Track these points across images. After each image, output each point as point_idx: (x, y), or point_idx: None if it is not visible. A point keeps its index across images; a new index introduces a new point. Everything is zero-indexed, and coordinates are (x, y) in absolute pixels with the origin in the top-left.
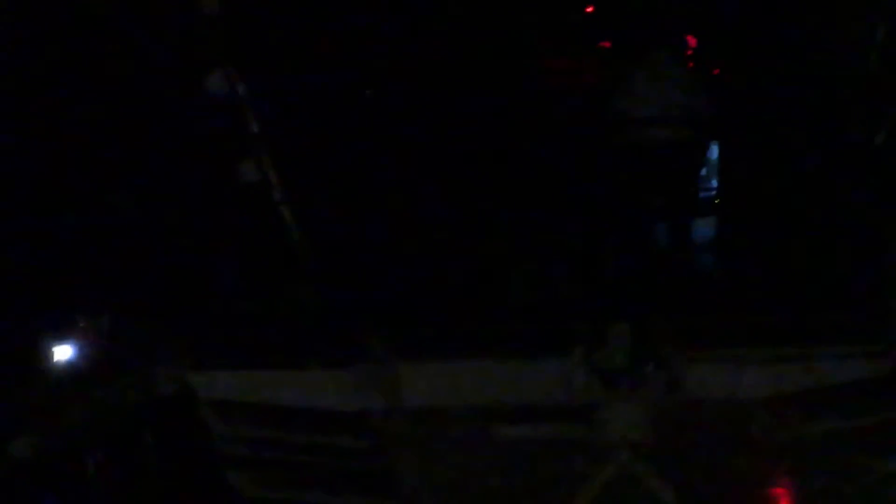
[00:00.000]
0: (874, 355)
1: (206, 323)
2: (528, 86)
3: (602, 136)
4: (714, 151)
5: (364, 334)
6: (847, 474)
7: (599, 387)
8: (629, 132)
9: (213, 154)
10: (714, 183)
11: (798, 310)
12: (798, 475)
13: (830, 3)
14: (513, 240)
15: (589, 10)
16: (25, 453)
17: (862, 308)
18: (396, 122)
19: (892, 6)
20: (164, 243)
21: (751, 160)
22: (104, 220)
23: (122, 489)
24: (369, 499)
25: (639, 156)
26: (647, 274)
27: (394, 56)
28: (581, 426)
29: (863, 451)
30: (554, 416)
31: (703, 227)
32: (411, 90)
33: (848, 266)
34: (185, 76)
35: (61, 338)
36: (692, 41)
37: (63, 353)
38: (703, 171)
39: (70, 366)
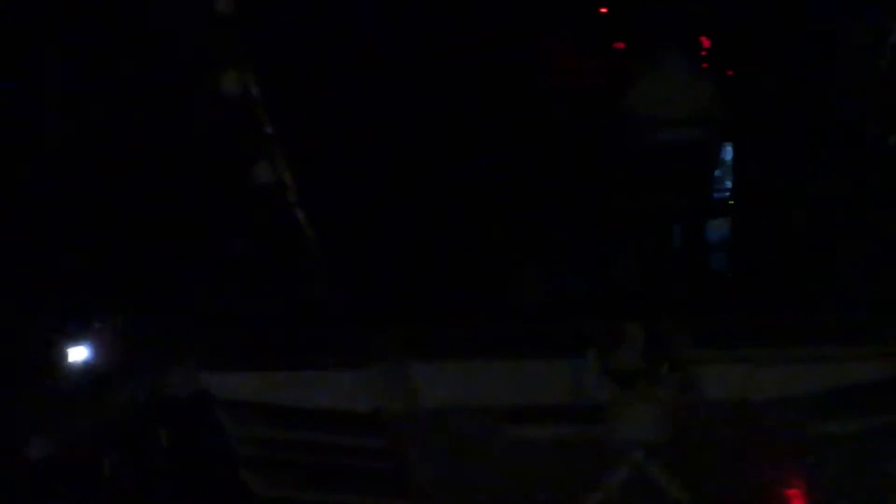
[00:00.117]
0: (889, 356)
1: (220, 323)
2: (541, 86)
3: (615, 136)
4: (728, 152)
5: (377, 334)
6: (861, 475)
7: (613, 387)
8: (642, 133)
9: (228, 154)
10: (728, 183)
11: (812, 310)
12: (812, 476)
13: (845, 3)
14: (526, 240)
15: (603, 10)
16: (41, 454)
17: (876, 308)
18: (409, 123)
19: None
20: (179, 244)
21: (765, 161)
22: (119, 221)
23: (136, 489)
24: (383, 499)
25: (652, 156)
26: (661, 274)
27: (406, 55)
28: (594, 427)
29: (877, 451)
30: (567, 417)
31: (717, 228)
32: (424, 90)
33: (862, 266)
34: (199, 76)
35: (76, 339)
36: (706, 42)
37: (78, 354)
38: (717, 172)
39: (85, 367)
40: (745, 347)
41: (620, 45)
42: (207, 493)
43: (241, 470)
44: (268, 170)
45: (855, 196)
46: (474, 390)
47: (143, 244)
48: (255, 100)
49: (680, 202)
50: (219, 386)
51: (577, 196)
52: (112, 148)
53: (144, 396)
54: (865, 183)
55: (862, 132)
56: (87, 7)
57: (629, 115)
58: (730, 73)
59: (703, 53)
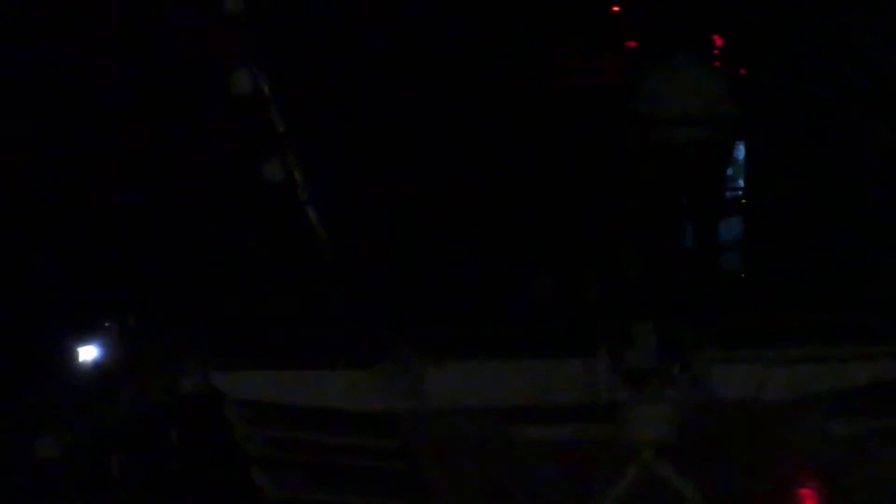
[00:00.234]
0: None
1: (231, 323)
2: (553, 86)
3: (627, 135)
4: (740, 151)
5: (388, 335)
6: (874, 475)
7: (624, 387)
8: (654, 132)
9: (239, 154)
10: (740, 183)
11: (824, 310)
12: (824, 476)
13: (858, 3)
14: (538, 241)
15: (615, 9)
16: (51, 454)
17: (888, 308)
18: (420, 123)
19: None
20: (190, 243)
21: (777, 160)
22: (130, 221)
23: (146, 489)
24: (393, 500)
25: (664, 156)
26: (673, 274)
27: (419, 54)
28: (605, 426)
29: (890, 452)
30: (578, 417)
31: (729, 227)
32: (436, 91)
33: (874, 266)
34: (209, 76)
35: (87, 338)
36: (718, 40)
37: (89, 353)
38: (730, 171)
39: (95, 366)
40: (757, 347)
41: (632, 44)
42: (217, 493)
43: (251, 470)
44: (278, 169)
45: (867, 196)
46: (485, 390)
47: (153, 244)
48: (265, 99)
49: (692, 202)
50: (228, 385)
51: (588, 196)
52: (123, 148)
53: (154, 396)
54: (878, 183)
55: (875, 132)
56: (97, 7)
57: (641, 114)
58: (742, 71)
59: (716, 52)
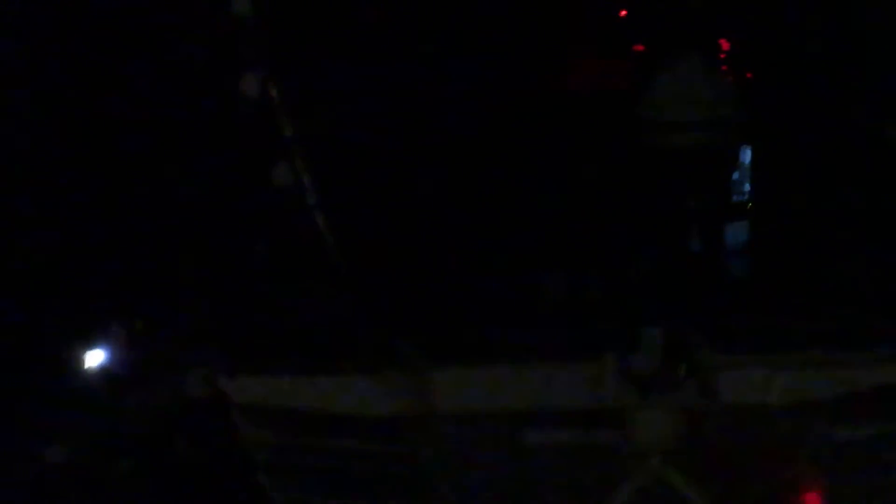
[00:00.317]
0: None
1: (238, 328)
2: (560, 89)
3: (634, 139)
4: (747, 155)
5: (396, 339)
6: (879, 480)
7: (631, 392)
8: (660, 136)
9: (247, 158)
10: (747, 187)
11: (830, 315)
12: (830, 481)
13: (864, 6)
14: (545, 245)
15: (622, 13)
16: (60, 458)
17: (893, 312)
18: (429, 127)
19: None
20: (198, 248)
21: (783, 164)
22: (137, 225)
23: (153, 494)
24: None
25: (670, 160)
26: (680, 278)
27: (426, 58)
28: (612, 431)
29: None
30: (585, 422)
31: (736, 232)
32: (443, 94)
33: (881, 271)
34: (218, 78)
35: (94, 343)
36: (725, 45)
37: (96, 358)
38: (736, 175)
39: (102, 370)
40: (763, 352)
41: (639, 48)
42: (224, 498)
43: (258, 475)
44: (287, 174)
45: (874, 201)
46: (492, 395)
47: (161, 248)
48: (274, 102)
49: (698, 206)
50: (236, 390)
51: (596, 199)
52: (131, 152)
53: (161, 400)
54: (885, 188)
55: (881, 136)
56: (107, 10)
57: (648, 118)
58: (748, 75)
59: (722, 56)
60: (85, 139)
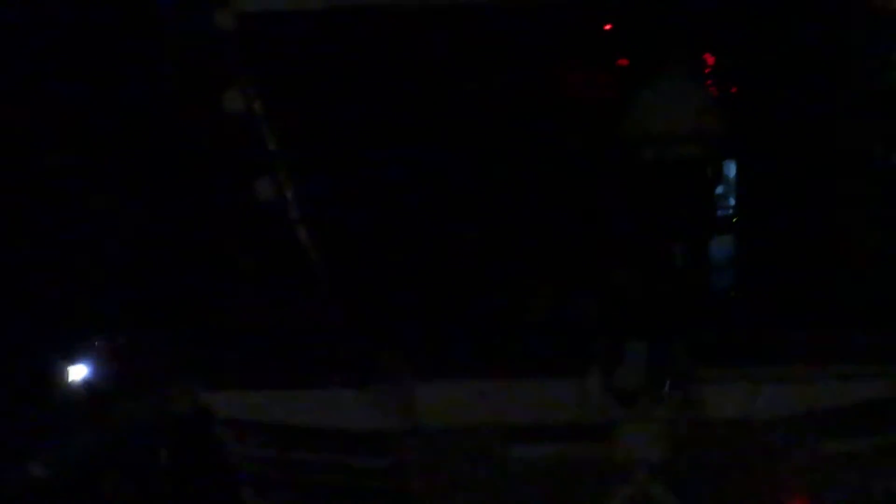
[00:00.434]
0: (891, 375)
1: (221, 342)
2: (544, 103)
3: (617, 153)
4: (732, 169)
5: (380, 353)
6: (863, 494)
7: (616, 406)
8: (643, 149)
9: (230, 172)
10: (732, 201)
11: (814, 329)
12: (814, 495)
13: (850, 22)
14: (529, 259)
15: (607, 27)
16: (43, 472)
17: (879, 327)
18: (413, 140)
19: None
20: (181, 263)
21: (769, 178)
22: (120, 241)
23: None
24: None
25: (654, 173)
26: (665, 293)
27: (409, 71)
28: (597, 445)
29: (879, 471)
30: (570, 436)
31: (721, 246)
32: (427, 106)
33: (865, 285)
34: (201, 93)
35: (78, 358)
36: (709, 59)
37: (79, 372)
38: (721, 190)
39: (86, 385)
40: (748, 366)
41: (623, 62)
42: None
43: (242, 489)
44: (270, 186)
45: (859, 215)
46: (477, 409)
47: (144, 263)
48: (258, 115)
49: (682, 220)
50: (219, 404)
51: (579, 214)
52: (114, 167)
53: (145, 415)
54: (869, 202)
55: (867, 151)
56: (89, 25)
57: (630, 131)
58: (734, 90)
59: (707, 70)
60: (67, 156)
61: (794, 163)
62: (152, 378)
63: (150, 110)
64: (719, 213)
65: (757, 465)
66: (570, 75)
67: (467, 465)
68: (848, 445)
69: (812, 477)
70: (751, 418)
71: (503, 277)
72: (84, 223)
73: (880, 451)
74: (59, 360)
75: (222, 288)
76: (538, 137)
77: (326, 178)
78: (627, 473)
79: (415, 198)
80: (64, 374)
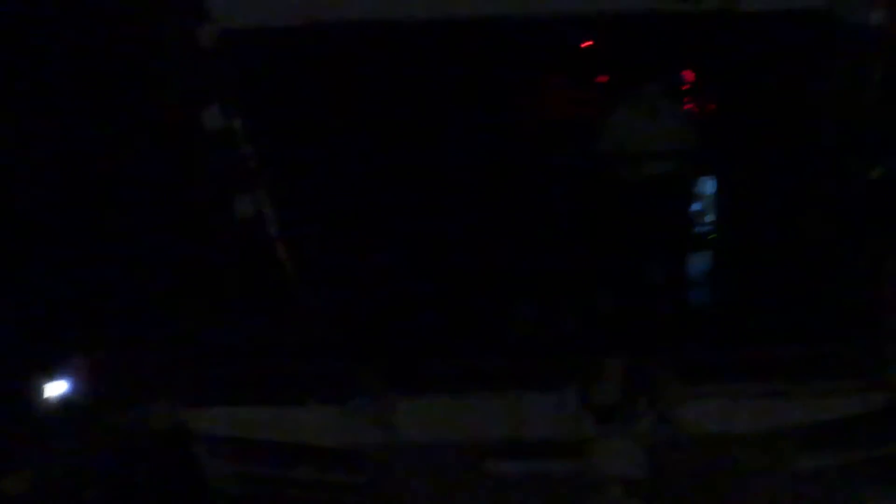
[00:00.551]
0: (867, 390)
1: (199, 359)
2: (524, 120)
3: (597, 170)
4: (710, 186)
5: (358, 369)
6: None
7: (592, 422)
8: (621, 167)
9: (211, 188)
10: (709, 217)
11: (792, 345)
12: None
13: (827, 38)
14: (507, 276)
15: (586, 44)
16: (20, 489)
17: (855, 343)
18: (392, 157)
19: (888, 44)
20: (160, 279)
21: (747, 195)
22: (98, 256)
23: None
24: None
25: (633, 190)
26: (642, 309)
27: (391, 88)
28: (574, 461)
29: (857, 485)
30: (547, 452)
31: (698, 262)
32: (407, 122)
33: (842, 301)
34: (182, 110)
35: (56, 374)
36: (689, 76)
37: (57, 389)
38: (699, 207)
39: (64, 402)
40: (725, 382)
41: (602, 80)
42: None
43: None
44: (250, 203)
45: (837, 232)
46: (455, 425)
47: (122, 279)
48: (238, 133)
49: (660, 237)
50: (197, 421)
51: (558, 231)
52: (93, 181)
53: (124, 432)
54: (847, 219)
55: (845, 167)
56: (70, 43)
57: (608, 149)
58: (712, 107)
59: (685, 88)
60: (45, 167)
61: (772, 179)
62: (131, 394)
63: (130, 126)
64: (697, 229)
65: (733, 480)
66: (550, 92)
67: (445, 481)
68: (825, 461)
69: (788, 492)
70: (728, 434)
71: (482, 294)
72: (63, 238)
73: (855, 466)
74: (38, 376)
75: (202, 305)
76: (517, 154)
77: (307, 194)
78: (604, 489)
79: (395, 214)
80: (42, 390)
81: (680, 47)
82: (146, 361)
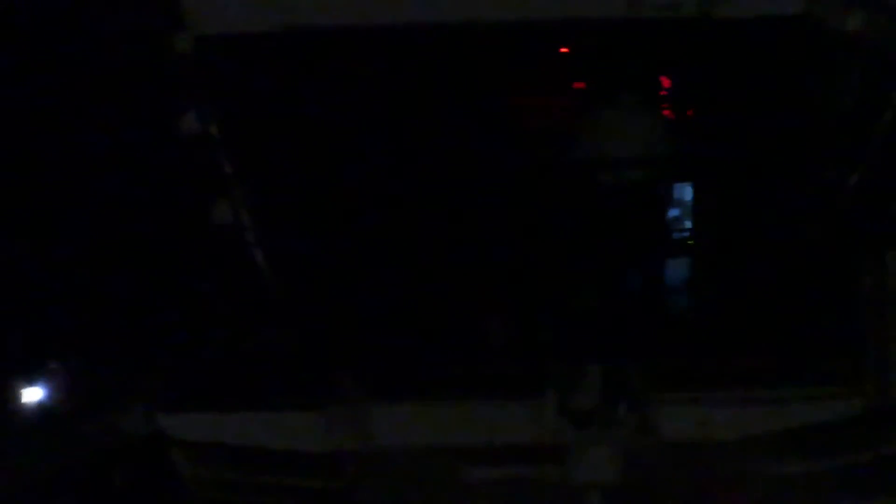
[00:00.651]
0: (844, 397)
1: (176, 364)
2: (501, 126)
3: (572, 176)
4: (688, 193)
5: (336, 374)
6: None
7: (570, 428)
8: (600, 173)
9: (186, 195)
10: (687, 224)
11: (769, 352)
12: None
13: (805, 45)
14: (484, 281)
15: (564, 50)
16: None
17: (832, 350)
18: (371, 163)
19: (866, 50)
20: (136, 284)
21: (723, 202)
22: (75, 261)
23: None
24: None
25: (611, 197)
26: (620, 315)
27: (367, 96)
28: (552, 468)
29: (833, 493)
30: (525, 458)
31: (676, 269)
32: (382, 131)
33: (819, 309)
34: (158, 116)
35: (31, 380)
36: (666, 82)
37: (33, 395)
38: (677, 213)
39: (40, 408)
40: (702, 389)
41: (581, 86)
42: None
43: None
44: (226, 209)
45: (814, 238)
46: (432, 431)
47: (97, 283)
48: (214, 140)
49: (638, 243)
50: (174, 427)
51: (534, 238)
52: (67, 187)
53: (100, 438)
54: (824, 225)
55: (823, 173)
56: (44, 50)
57: (588, 154)
58: (689, 112)
59: (662, 94)
60: (18, 172)
61: (750, 186)
62: (107, 400)
63: (105, 132)
64: (675, 235)
65: (712, 488)
66: (527, 98)
67: (422, 487)
68: (803, 468)
69: (766, 499)
70: (706, 441)
71: (458, 298)
72: (37, 244)
73: (832, 473)
74: (14, 382)
75: (177, 310)
76: (495, 160)
77: (282, 200)
78: (582, 496)
79: (370, 219)
80: (18, 395)
81: (657, 53)
82: (123, 367)
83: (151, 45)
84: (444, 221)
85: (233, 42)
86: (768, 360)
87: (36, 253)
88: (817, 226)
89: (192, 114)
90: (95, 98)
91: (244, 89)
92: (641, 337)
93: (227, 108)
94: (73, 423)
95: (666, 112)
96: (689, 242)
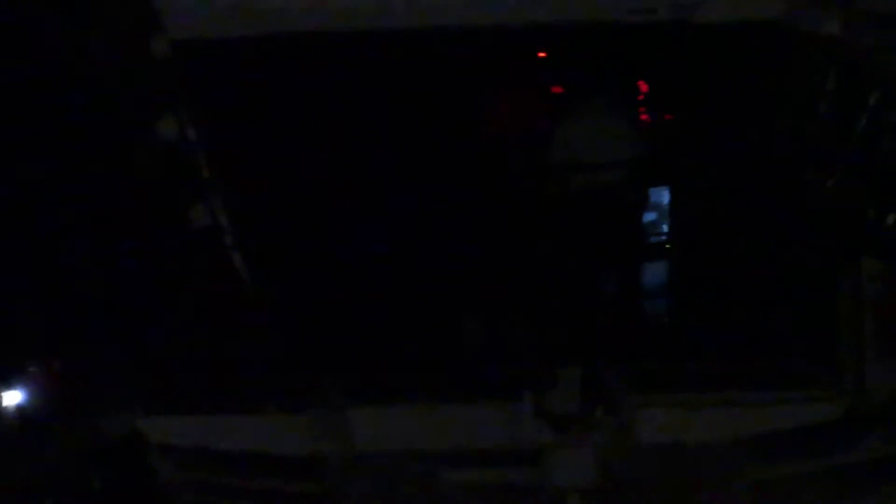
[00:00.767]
0: (825, 400)
1: (156, 368)
2: (476, 130)
3: (550, 180)
4: (665, 197)
5: (315, 378)
6: None
7: (549, 431)
8: (576, 176)
9: (165, 199)
10: (665, 228)
11: (749, 355)
12: None
13: (782, 49)
14: (463, 286)
15: (541, 54)
16: None
17: (812, 353)
18: (349, 167)
19: (842, 54)
20: (116, 288)
21: (701, 206)
22: (54, 264)
23: None
24: None
25: (588, 201)
26: (597, 319)
27: (346, 98)
28: (530, 471)
29: (815, 496)
30: (503, 461)
31: (654, 272)
32: (363, 135)
33: (799, 311)
34: (136, 120)
35: (11, 384)
36: (644, 86)
37: (12, 398)
38: (655, 216)
39: (19, 411)
40: (681, 392)
41: (558, 90)
42: None
43: None
44: (204, 213)
45: (792, 241)
46: (411, 434)
47: (78, 288)
48: (193, 143)
49: (615, 247)
50: (154, 430)
51: (512, 241)
52: (47, 192)
53: (79, 441)
54: (801, 229)
55: (800, 178)
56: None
57: (564, 158)
58: (668, 117)
59: (639, 98)
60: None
61: (728, 189)
62: (87, 404)
63: (83, 138)
64: (653, 239)
65: (691, 491)
66: (502, 102)
67: (401, 490)
68: (782, 471)
69: (745, 502)
70: (683, 444)
71: (437, 303)
72: (17, 248)
73: (811, 476)
74: None
75: (157, 314)
76: (471, 164)
77: (261, 204)
78: (560, 499)
79: (350, 223)
80: None
81: (634, 58)
82: (103, 370)
83: (129, 50)
84: (421, 226)
85: (211, 47)
86: (746, 364)
87: (14, 256)
88: (795, 230)
89: (171, 118)
90: (73, 103)
91: (222, 94)
92: (619, 340)
93: (206, 113)
94: (52, 426)
95: (643, 116)
96: (667, 246)
